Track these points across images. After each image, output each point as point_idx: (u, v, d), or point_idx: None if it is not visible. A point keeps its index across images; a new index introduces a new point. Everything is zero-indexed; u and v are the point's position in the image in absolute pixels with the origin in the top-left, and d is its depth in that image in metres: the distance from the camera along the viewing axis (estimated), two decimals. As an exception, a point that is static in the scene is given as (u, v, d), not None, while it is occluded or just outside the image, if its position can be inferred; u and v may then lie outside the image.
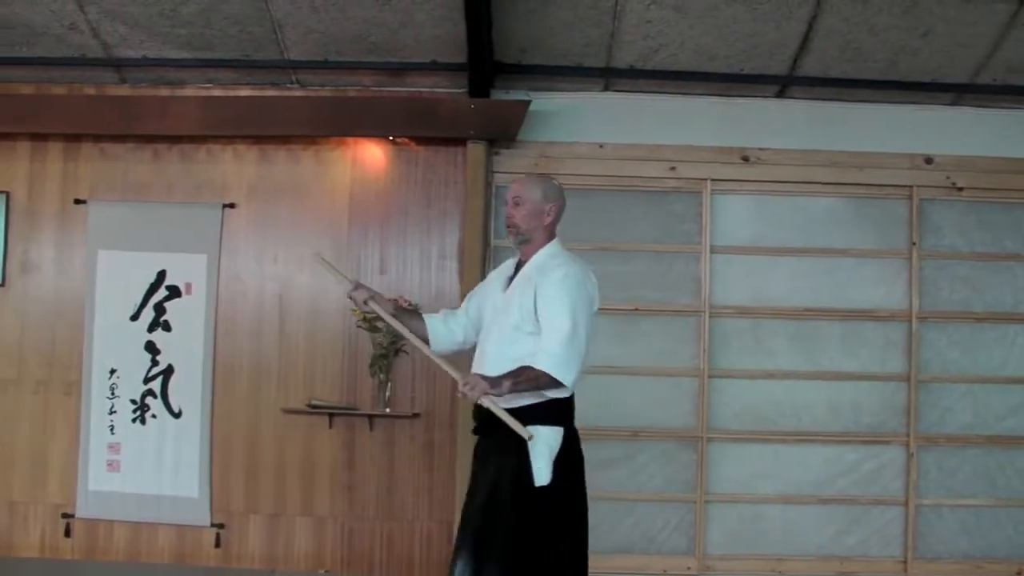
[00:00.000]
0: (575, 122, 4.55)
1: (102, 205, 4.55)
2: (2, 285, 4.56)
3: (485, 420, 2.89)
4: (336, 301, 4.39)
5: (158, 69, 4.61)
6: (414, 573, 4.45)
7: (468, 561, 2.79)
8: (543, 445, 2.81)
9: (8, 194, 4.59)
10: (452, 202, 4.49)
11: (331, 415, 4.44)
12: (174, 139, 4.56)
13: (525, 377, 2.78)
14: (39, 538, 4.52)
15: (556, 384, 2.80)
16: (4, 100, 4.59)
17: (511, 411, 2.80)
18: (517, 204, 2.99)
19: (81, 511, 4.50)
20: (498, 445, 2.85)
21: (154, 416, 4.51)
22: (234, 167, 4.57)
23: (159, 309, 4.51)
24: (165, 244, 4.49)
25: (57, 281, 4.57)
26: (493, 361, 2.86)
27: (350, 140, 4.55)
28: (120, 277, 4.50)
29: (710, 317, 4.53)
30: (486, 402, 2.75)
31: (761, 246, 4.58)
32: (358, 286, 3.05)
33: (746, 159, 4.56)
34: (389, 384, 4.42)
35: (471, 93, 4.49)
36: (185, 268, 4.49)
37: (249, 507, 4.50)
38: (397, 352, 4.42)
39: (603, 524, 4.51)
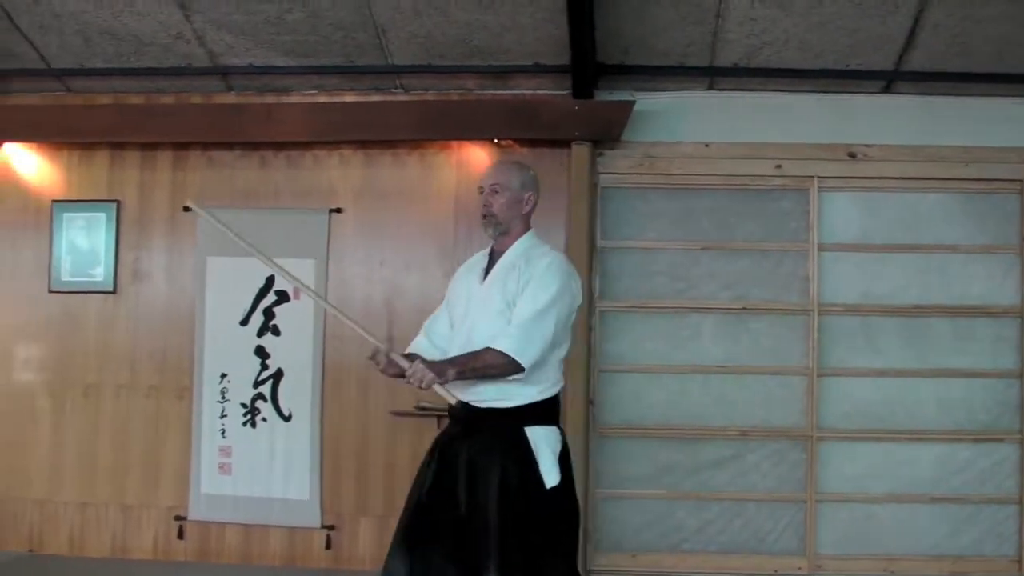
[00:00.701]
0: (679, 121, 4.75)
1: (211, 212, 4.84)
2: (114, 292, 4.86)
3: (472, 417, 2.85)
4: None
5: (264, 77, 4.88)
6: (524, 574, 4.70)
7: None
8: (544, 445, 2.83)
9: (119, 203, 4.89)
10: (557, 204, 4.71)
11: (439, 416, 4.68)
12: (280, 146, 4.82)
13: (475, 363, 2.77)
14: (152, 540, 4.82)
15: (514, 366, 2.76)
16: (114, 110, 4.90)
17: (505, 410, 2.82)
18: (495, 192, 2.98)
19: (193, 513, 4.77)
20: (492, 447, 2.80)
21: (264, 419, 4.78)
22: (340, 172, 4.82)
23: (268, 314, 4.77)
24: (273, 250, 4.70)
25: (167, 288, 4.85)
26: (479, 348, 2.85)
27: (454, 143, 4.78)
28: (229, 283, 4.78)
29: (819, 315, 4.72)
30: (438, 390, 2.73)
31: (869, 243, 4.75)
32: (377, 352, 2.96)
33: (853, 155, 4.75)
34: None
35: (575, 95, 4.72)
36: (294, 273, 4.70)
37: (359, 509, 4.74)
38: (501, 354, 4.68)
39: (713, 525, 4.72)
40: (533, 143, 4.75)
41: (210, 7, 4.53)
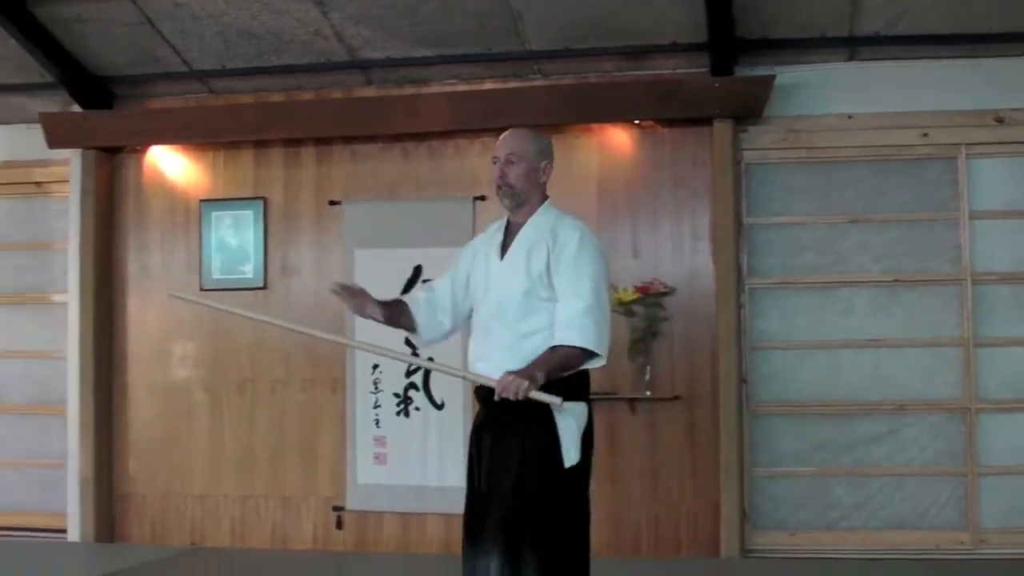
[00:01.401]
0: (822, 94, 5.75)
1: (356, 205, 5.99)
2: (264, 288, 6.05)
3: (497, 401, 3.13)
4: None
5: (402, 69, 6.03)
6: (681, 554, 5.77)
7: (500, 557, 3.08)
8: (572, 421, 3.17)
9: (265, 200, 6.07)
10: (701, 182, 5.78)
11: (591, 402, 5.79)
12: (422, 136, 5.95)
13: (558, 360, 3.10)
14: (312, 531, 6.01)
15: (590, 356, 3.16)
16: (256, 109, 6.12)
17: None
18: (511, 162, 3.29)
19: (351, 504, 5.93)
20: (513, 422, 3.13)
21: (417, 408, 5.94)
22: (482, 160, 5.89)
23: None
24: (419, 239, 5.92)
25: (316, 281, 5.99)
26: (500, 337, 3.18)
27: (595, 126, 5.86)
28: (377, 274, 5.90)
29: (972, 284, 5.70)
30: (535, 396, 3.02)
31: (1021, 210, 5.77)
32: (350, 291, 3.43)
33: (1000, 120, 5.70)
34: (648, 367, 5.75)
35: (714, 72, 5.76)
36: (440, 262, 5.79)
37: None
38: (655, 335, 5.74)
39: (873, 500, 5.73)
40: (674, 122, 5.81)
41: (347, 2, 5.65)
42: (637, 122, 5.84)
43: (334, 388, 6.01)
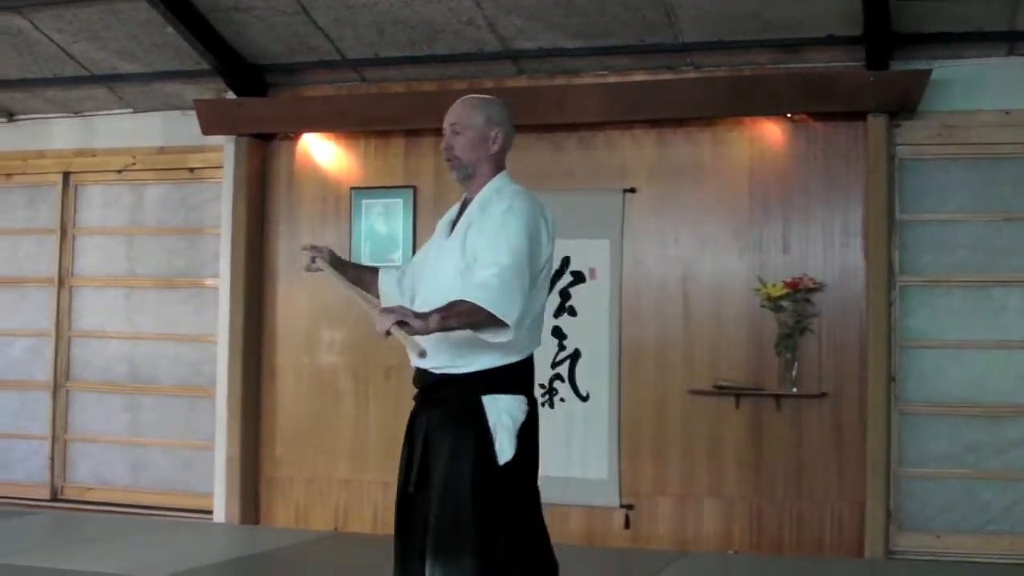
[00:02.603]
0: (978, 89, 7.76)
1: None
2: (413, 276, 8.74)
3: (429, 386, 4.01)
4: (742, 281, 8.01)
5: (554, 59, 8.44)
6: (824, 554, 8.02)
7: (431, 564, 3.82)
8: (505, 416, 3.93)
9: (415, 188, 8.53)
10: (854, 177, 7.99)
11: (737, 396, 8.09)
12: (573, 127, 8.31)
13: (457, 311, 3.72)
14: (454, 521, 8.60)
15: (495, 323, 3.77)
16: (408, 98, 8.70)
17: (462, 377, 3.93)
18: (456, 133, 4.15)
19: None
20: (446, 418, 3.94)
21: (562, 400, 8.34)
22: (633, 152, 8.27)
23: (565, 295, 8.28)
24: (568, 231, 8.24)
25: None
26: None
27: (747, 119, 8.10)
28: None
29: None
30: (396, 331, 3.61)
31: None
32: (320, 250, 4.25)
33: None
34: (796, 363, 8.04)
35: (868, 66, 7.96)
36: (589, 254, 8.35)
37: (657, 488, 8.20)
38: (803, 331, 8.05)
39: (1022, 504, 7.95)
40: (827, 116, 8.07)
41: None
42: (790, 116, 8.14)
43: (480, 377, 8.58)
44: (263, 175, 9.00)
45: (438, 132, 7.90)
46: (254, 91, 8.93)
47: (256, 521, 8.85)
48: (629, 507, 8.24)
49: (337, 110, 8.63)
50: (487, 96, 4.48)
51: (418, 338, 3.70)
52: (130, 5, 8.22)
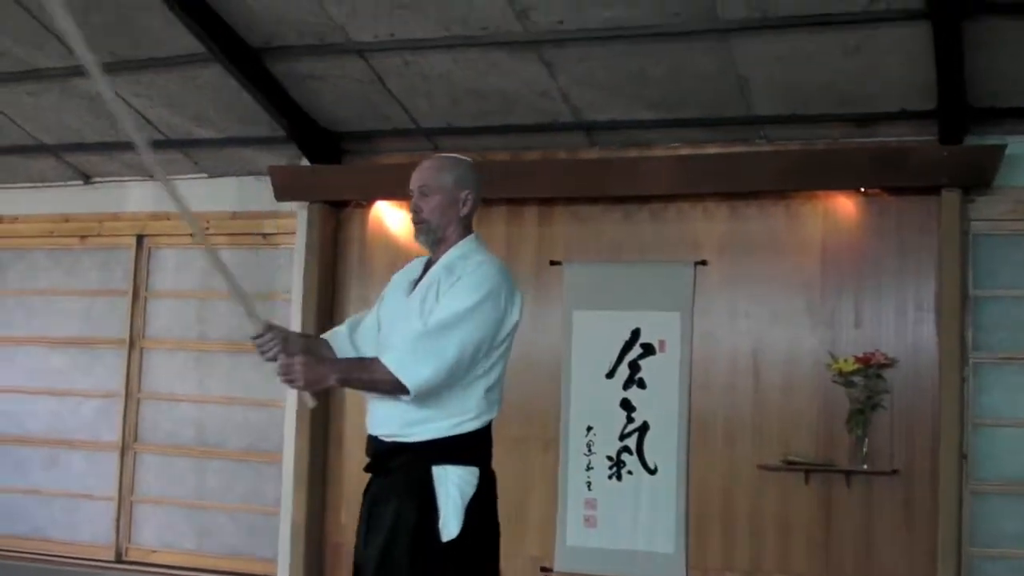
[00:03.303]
0: None
1: (576, 266, 8.59)
2: (482, 345, 8.87)
3: (380, 454, 4.06)
4: (812, 355, 8.10)
5: (627, 131, 8.60)
6: (895, 634, 8.11)
7: None
8: (453, 488, 3.95)
9: None
10: (927, 252, 8.06)
11: (807, 472, 8.15)
12: (644, 199, 8.45)
13: (362, 373, 3.91)
14: (518, 592, 8.68)
15: (398, 387, 3.87)
16: (481, 168, 8.83)
17: (411, 445, 4.01)
18: (424, 195, 4.20)
19: (559, 565, 8.40)
20: (391, 488, 3.99)
21: (630, 472, 8.45)
22: (705, 224, 8.40)
23: (634, 367, 8.41)
24: (638, 302, 8.47)
25: (534, 340, 8.51)
26: None
27: (820, 193, 8.24)
28: (595, 336, 8.48)
29: None
30: (308, 398, 4.00)
31: None
32: (269, 328, 4.19)
33: None
34: (867, 440, 8.10)
35: (942, 140, 8.01)
36: (659, 326, 8.46)
37: (725, 564, 8.23)
38: (874, 407, 8.10)
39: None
40: (900, 191, 8.15)
41: (574, 64, 8.26)
42: (863, 190, 8.26)
43: (546, 448, 8.64)
44: (336, 242, 9.18)
45: (510, 202, 8.25)
46: (328, 158, 9.12)
47: (322, 588, 8.93)
48: (696, 581, 8.23)
49: (410, 178, 8.76)
50: (456, 156, 4.54)
51: (373, 399, 4.01)
52: (206, 71, 8.44)
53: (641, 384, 8.43)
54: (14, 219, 10.63)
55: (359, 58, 8.31)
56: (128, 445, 9.99)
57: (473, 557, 4.11)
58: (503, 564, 8.05)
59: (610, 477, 8.41)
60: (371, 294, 8.65)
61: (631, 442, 8.44)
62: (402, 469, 3.99)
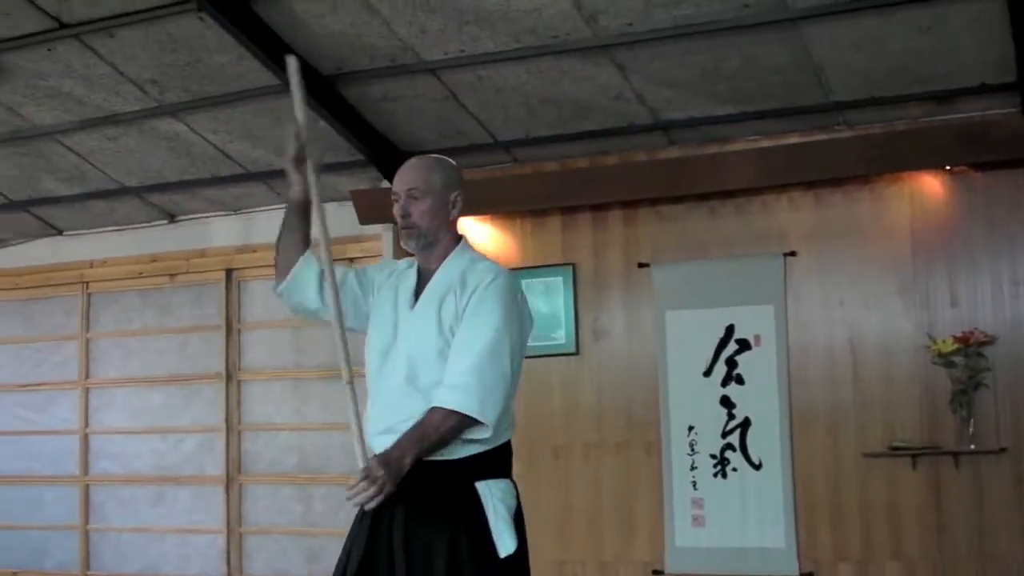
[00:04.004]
0: None
1: (665, 267, 8.63)
2: (576, 354, 8.82)
3: (411, 474, 3.70)
4: (910, 338, 8.07)
5: (704, 127, 8.63)
6: (1017, 614, 8.09)
7: None
8: (501, 504, 3.81)
9: (574, 265, 8.82)
10: (1017, 226, 7.92)
11: (914, 456, 8.16)
12: (728, 194, 8.51)
13: (428, 436, 3.66)
14: (631, 596, 8.77)
15: (472, 423, 3.72)
16: (562, 176, 8.97)
17: (451, 463, 3.79)
18: (414, 198, 3.99)
19: (670, 567, 8.45)
20: (433, 510, 3.76)
21: (735, 469, 8.50)
22: (790, 215, 8.44)
23: (731, 363, 8.46)
24: (730, 299, 8.52)
25: (628, 344, 8.65)
26: (413, 405, 3.79)
27: (904, 175, 8.26)
28: (689, 335, 8.54)
29: None
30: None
31: None
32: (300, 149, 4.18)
33: None
34: (972, 419, 8.10)
35: None
36: (752, 320, 8.50)
37: (837, 554, 8.27)
38: (977, 386, 8.08)
39: None
40: (985, 166, 8.12)
41: (647, 65, 8.32)
42: (948, 168, 8.28)
43: (648, 451, 8.71)
44: (424, 262, 9.24)
45: (593, 208, 8.34)
46: (408, 178, 9.20)
47: (432, 606, 9.02)
48: (809, 575, 8.30)
49: (492, 192, 8.91)
50: (440, 156, 4.32)
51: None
52: (282, 102, 8.54)
53: (739, 380, 8.49)
54: (103, 262, 10.88)
55: (432, 76, 8.42)
56: (233, 477, 10.18)
57: (526, 569, 4.04)
58: (615, 568, 8.25)
59: (715, 475, 8.47)
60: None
61: (734, 439, 8.49)
62: (442, 490, 3.80)
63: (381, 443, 3.81)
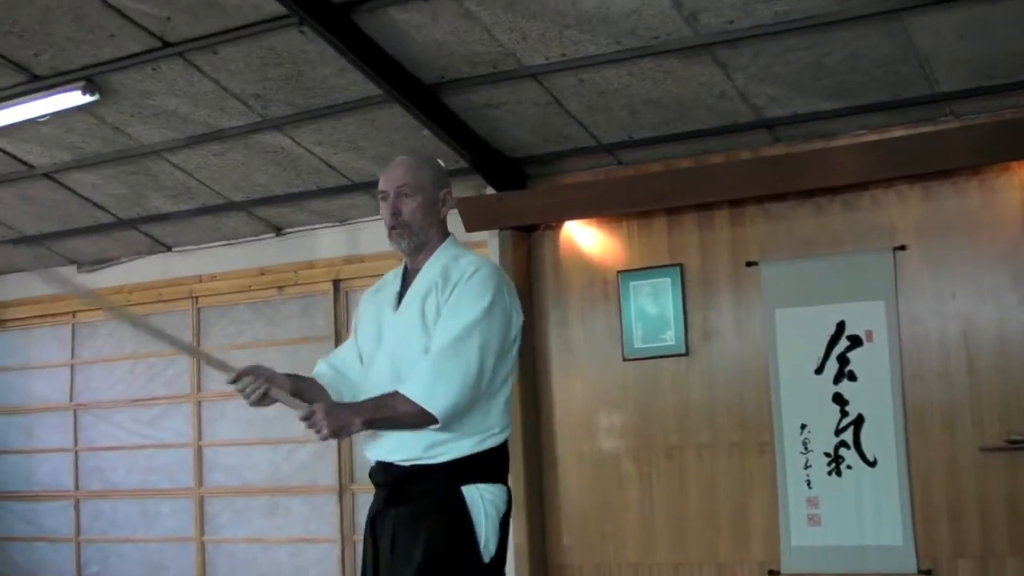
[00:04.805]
0: None
1: (773, 265, 8.69)
2: (686, 355, 8.90)
3: (398, 480, 3.86)
4: (1023, 330, 8.25)
5: (809, 124, 8.66)
6: None
7: None
8: (490, 507, 3.81)
9: (681, 266, 8.89)
10: None
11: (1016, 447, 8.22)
12: (834, 190, 8.53)
13: (385, 411, 3.76)
14: (747, 596, 8.83)
15: (426, 418, 3.76)
16: (666, 176, 9.05)
17: (436, 467, 3.83)
18: (404, 195, 3.98)
19: (786, 567, 8.48)
20: (419, 515, 3.81)
21: (849, 467, 8.49)
22: (899, 209, 8.44)
23: (842, 360, 8.47)
24: (840, 295, 8.54)
25: (738, 344, 8.71)
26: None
27: (1014, 164, 8.21)
28: (799, 333, 8.55)
29: None
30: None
31: None
32: (249, 372, 4.07)
33: None
34: None
35: None
36: (863, 316, 8.51)
37: (956, 550, 8.22)
38: (1098, 375, 8.11)
39: None
40: None
41: (750, 63, 8.37)
42: (1061, 156, 8.28)
43: (762, 450, 8.75)
44: (529, 266, 9.43)
45: (698, 208, 8.44)
46: (513, 184, 9.37)
47: (548, 611, 9.17)
48: (928, 572, 8.31)
49: (597, 195, 9.02)
50: (424, 155, 4.35)
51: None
52: (385, 112, 8.76)
53: (852, 377, 8.51)
54: (212, 277, 11.13)
55: (534, 82, 8.52)
56: (345, 486, 10.37)
57: (503, 573, 3.95)
58: (731, 569, 8.31)
59: (829, 473, 8.51)
60: (569, 313, 8.96)
61: (847, 436, 8.51)
62: (429, 494, 3.83)
63: (374, 453, 4.03)
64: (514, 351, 4.01)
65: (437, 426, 3.78)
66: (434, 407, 3.72)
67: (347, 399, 4.14)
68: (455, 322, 3.82)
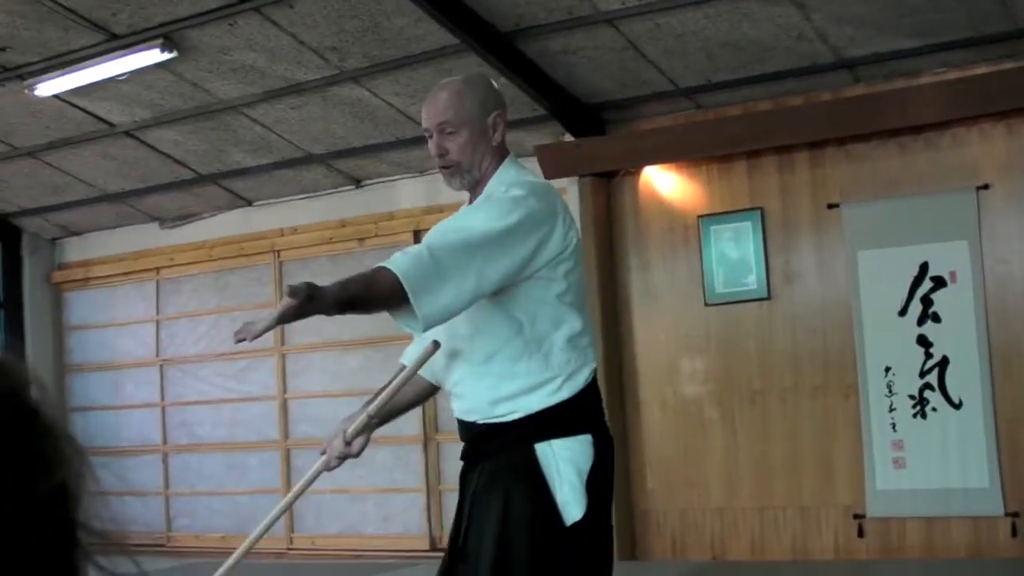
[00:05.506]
0: None
1: (855, 206, 8.74)
2: (768, 299, 8.91)
3: (475, 439, 3.59)
4: None
5: (890, 63, 8.72)
6: None
7: None
8: (567, 465, 3.42)
9: (762, 210, 8.93)
10: None
11: None
12: (917, 129, 8.54)
13: (360, 280, 3.27)
14: (832, 541, 8.77)
15: (397, 298, 3.19)
16: (746, 120, 9.09)
17: (508, 425, 3.49)
18: (448, 132, 3.54)
19: (871, 511, 8.57)
20: (493, 477, 3.50)
21: (934, 409, 8.56)
22: (982, 148, 8.46)
23: (926, 301, 8.51)
24: (922, 236, 8.58)
25: (820, 287, 8.76)
26: (461, 361, 3.58)
27: None
28: (882, 275, 8.63)
29: None
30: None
31: None
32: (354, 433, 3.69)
33: None
34: None
35: None
36: (946, 257, 8.54)
37: None
38: None
39: None
40: None
41: (828, 2, 8.41)
42: None
43: (846, 394, 8.82)
44: (609, 212, 9.53)
45: (779, 150, 8.50)
46: (592, 130, 9.46)
47: (632, 556, 9.30)
48: (1015, 515, 8.33)
49: (676, 140, 9.09)
50: (469, 76, 3.85)
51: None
52: (461, 62, 8.85)
53: (936, 318, 8.54)
54: (293, 230, 11.30)
55: (610, 27, 8.60)
56: (430, 436, 10.53)
57: (601, 537, 3.56)
58: (816, 513, 8.39)
59: (914, 416, 8.54)
60: (650, 258, 9.05)
61: (932, 378, 8.54)
62: (501, 453, 3.50)
63: (455, 404, 3.71)
64: (573, 278, 3.58)
65: (417, 326, 3.32)
66: (417, 302, 3.22)
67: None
68: (471, 227, 3.41)
